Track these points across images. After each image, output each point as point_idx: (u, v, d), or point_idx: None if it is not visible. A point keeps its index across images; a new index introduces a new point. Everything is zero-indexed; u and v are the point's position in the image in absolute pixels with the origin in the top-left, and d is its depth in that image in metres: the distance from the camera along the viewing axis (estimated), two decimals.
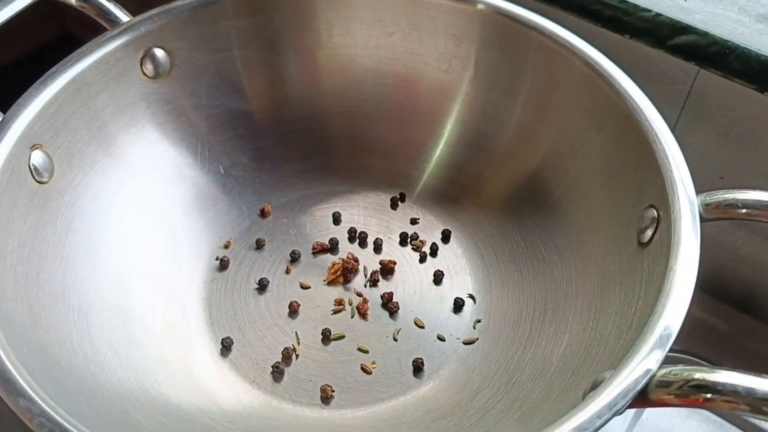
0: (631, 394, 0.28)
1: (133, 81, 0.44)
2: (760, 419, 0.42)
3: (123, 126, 0.44)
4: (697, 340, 0.47)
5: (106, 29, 0.44)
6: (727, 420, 0.44)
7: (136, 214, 0.44)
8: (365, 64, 0.50)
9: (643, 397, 0.28)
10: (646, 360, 0.28)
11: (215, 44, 0.46)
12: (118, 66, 0.43)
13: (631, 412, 0.44)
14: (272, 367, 0.41)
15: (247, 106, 0.49)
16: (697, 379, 0.28)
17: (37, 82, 0.39)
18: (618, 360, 0.30)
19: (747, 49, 0.42)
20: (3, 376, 0.28)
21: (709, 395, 0.27)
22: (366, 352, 0.43)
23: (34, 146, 0.38)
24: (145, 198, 0.45)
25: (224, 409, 0.39)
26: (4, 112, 0.38)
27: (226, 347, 0.42)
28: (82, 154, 0.41)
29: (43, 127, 0.39)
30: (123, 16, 0.44)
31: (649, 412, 0.45)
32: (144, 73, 0.44)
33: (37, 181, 0.38)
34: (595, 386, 0.29)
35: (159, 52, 0.44)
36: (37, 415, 0.27)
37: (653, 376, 0.28)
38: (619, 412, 0.28)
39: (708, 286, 0.48)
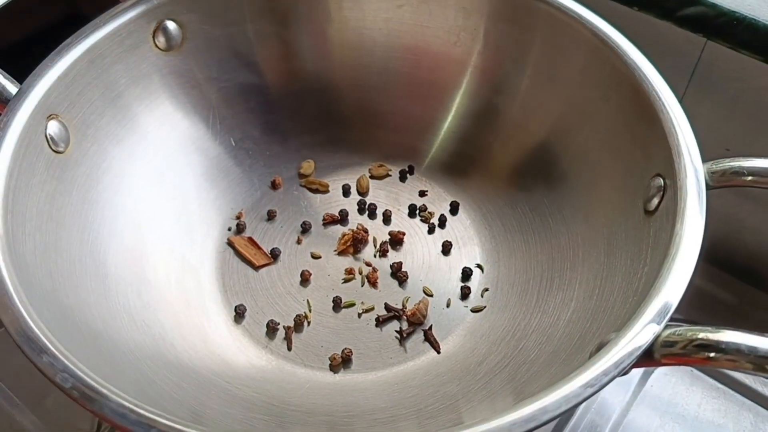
0: (637, 353, 0.29)
1: (145, 53, 0.44)
2: (762, 377, 0.43)
3: (137, 97, 0.44)
4: (701, 311, 0.48)
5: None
6: (730, 387, 0.45)
7: (149, 184, 0.45)
8: (375, 37, 0.50)
9: (649, 357, 0.29)
10: (652, 320, 0.29)
11: (227, 17, 0.47)
12: (131, 38, 0.43)
13: (636, 379, 0.45)
14: (285, 330, 0.42)
15: (258, 80, 0.50)
16: (701, 339, 0.28)
17: (52, 53, 0.40)
18: (623, 323, 0.30)
19: (755, 20, 0.42)
20: (26, 334, 0.29)
21: (712, 354, 0.28)
22: (372, 309, 0.44)
23: (50, 116, 0.39)
24: (159, 169, 0.46)
25: (239, 373, 0.40)
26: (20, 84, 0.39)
27: (239, 314, 0.43)
28: (97, 125, 0.42)
29: (58, 97, 0.39)
30: None
31: (654, 379, 0.45)
32: (156, 46, 0.45)
33: (53, 150, 0.39)
34: (601, 347, 0.30)
35: (171, 25, 0.45)
36: (60, 371, 0.28)
37: (658, 335, 0.29)
38: (625, 371, 0.29)
39: (713, 257, 0.49)
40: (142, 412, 0.27)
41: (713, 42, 0.44)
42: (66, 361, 0.28)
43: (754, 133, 0.46)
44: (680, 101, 0.38)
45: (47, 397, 0.43)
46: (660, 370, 0.45)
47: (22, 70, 0.39)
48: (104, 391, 0.27)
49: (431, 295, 0.45)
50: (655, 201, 0.36)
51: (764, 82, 0.44)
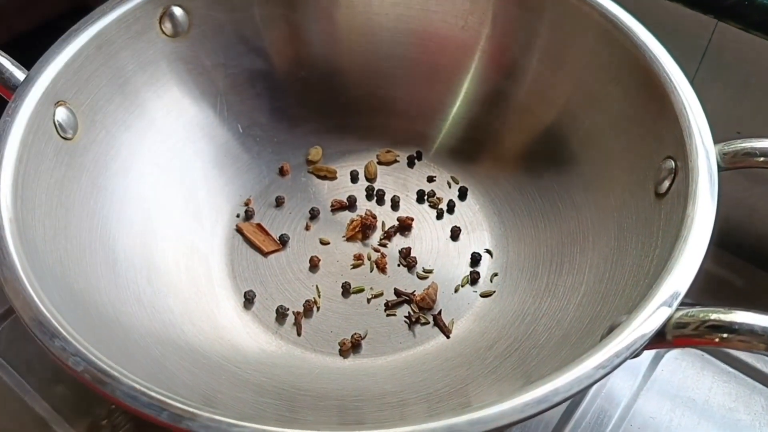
0: (649, 335, 0.28)
1: (153, 39, 0.44)
2: None
3: (144, 84, 0.44)
4: (712, 295, 0.48)
5: None
6: (740, 371, 0.45)
7: (157, 171, 0.45)
8: (382, 22, 0.50)
9: (661, 338, 0.29)
10: (664, 301, 0.29)
11: (233, 2, 0.47)
12: (138, 24, 0.43)
13: (646, 363, 0.45)
14: (294, 315, 0.42)
15: (265, 66, 0.49)
16: (713, 320, 0.28)
17: (60, 39, 0.40)
18: (635, 305, 0.30)
19: (766, 1, 0.42)
20: (38, 319, 0.29)
21: (725, 335, 0.28)
22: (381, 295, 0.44)
23: (58, 102, 0.39)
24: (167, 155, 0.45)
25: (249, 358, 0.40)
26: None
27: (249, 300, 0.43)
28: (105, 111, 0.42)
29: (66, 84, 0.39)
30: None
31: (664, 363, 0.45)
32: (163, 32, 0.45)
33: (62, 137, 0.39)
34: (612, 330, 0.30)
35: (177, 11, 0.45)
36: (72, 354, 0.28)
37: (670, 317, 0.29)
38: (637, 353, 0.29)
39: (723, 241, 0.48)
40: (153, 394, 0.27)
41: (724, 23, 0.44)
42: (78, 345, 0.29)
43: (766, 115, 0.46)
44: (691, 83, 0.37)
45: (59, 383, 0.43)
46: (670, 355, 0.45)
47: (30, 60, 0.39)
48: (116, 374, 0.27)
49: (432, 270, 0.45)
50: (666, 183, 0.36)
51: None
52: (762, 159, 0.34)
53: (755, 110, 0.46)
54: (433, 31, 0.49)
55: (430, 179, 0.50)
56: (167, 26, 0.45)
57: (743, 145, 0.35)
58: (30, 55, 0.40)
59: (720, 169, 0.34)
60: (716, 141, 0.35)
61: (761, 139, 0.35)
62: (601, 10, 0.42)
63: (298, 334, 0.42)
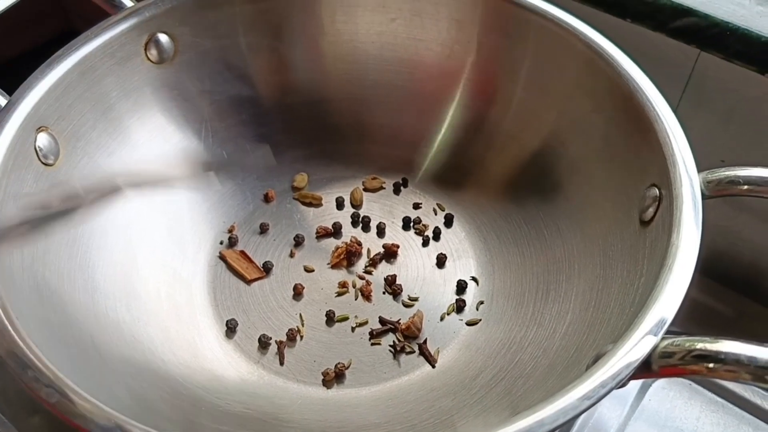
0: (635, 365, 0.28)
1: (137, 66, 0.44)
2: (761, 388, 0.42)
3: (128, 110, 0.44)
4: (698, 324, 0.47)
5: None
6: (728, 401, 0.44)
7: (141, 197, 0.44)
8: (368, 50, 0.50)
9: (646, 368, 0.29)
10: (650, 331, 0.29)
11: (219, 30, 0.47)
12: (122, 50, 0.43)
13: (633, 393, 0.45)
14: (277, 344, 0.42)
15: (250, 92, 0.49)
16: (699, 349, 0.28)
17: (43, 65, 0.40)
18: (620, 334, 0.30)
19: (748, 30, 0.42)
20: (11, 349, 0.29)
21: (711, 365, 0.28)
22: (366, 323, 0.44)
23: (39, 128, 0.38)
24: (150, 182, 0.45)
25: (230, 388, 0.39)
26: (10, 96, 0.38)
27: (231, 329, 0.42)
28: (88, 138, 0.42)
29: (48, 109, 0.39)
30: (127, 1, 0.44)
31: (652, 393, 0.45)
32: (148, 58, 0.45)
33: (43, 163, 0.38)
34: (598, 359, 0.30)
35: (163, 38, 0.45)
36: (46, 386, 0.27)
37: (656, 346, 0.29)
38: (622, 383, 0.28)
39: (709, 269, 0.48)
40: (128, 428, 0.26)
41: (706, 53, 0.44)
42: (51, 376, 0.28)
43: (749, 144, 0.46)
44: (674, 112, 0.37)
45: (35, 414, 0.42)
46: (658, 384, 0.45)
47: (14, 86, 0.39)
48: (89, 407, 0.27)
49: (417, 298, 0.44)
50: (651, 211, 0.36)
51: (758, 93, 0.44)
52: (746, 187, 0.34)
53: (739, 138, 0.46)
54: (418, 60, 0.49)
55: (416, 206, 0.50)
56: (152, 53, 0.45)
57: (727, 173, 0.35)
58: (14, 80, 0.39)
59: (704, 197, 0.34)
60: (700, 169, 0.35)
61: (745, 168, 0.35)
62: (585, 40, 0.42)
63: (281, 364, 0.41)
